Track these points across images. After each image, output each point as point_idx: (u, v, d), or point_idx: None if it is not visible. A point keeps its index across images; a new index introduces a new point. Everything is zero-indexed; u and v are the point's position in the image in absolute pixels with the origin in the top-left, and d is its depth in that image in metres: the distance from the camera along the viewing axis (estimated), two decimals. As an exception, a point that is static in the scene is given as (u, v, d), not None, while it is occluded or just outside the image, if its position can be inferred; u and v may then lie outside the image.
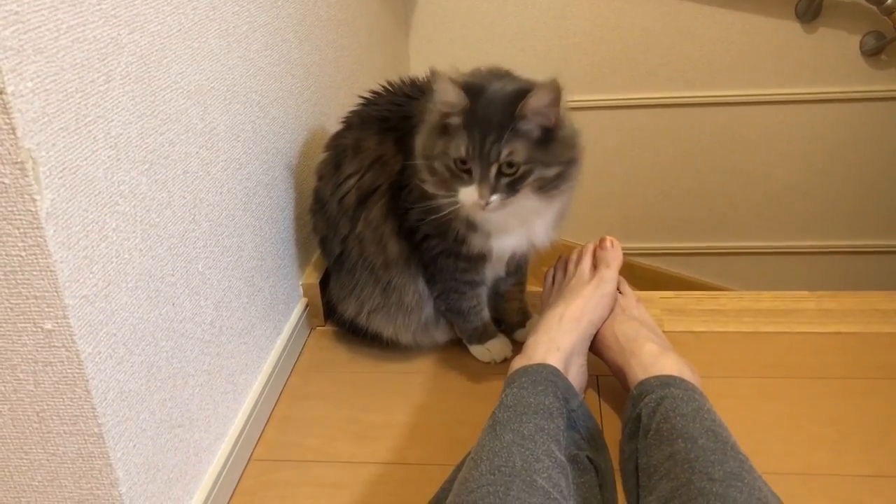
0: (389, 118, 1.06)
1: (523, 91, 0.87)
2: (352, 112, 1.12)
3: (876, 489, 0.88)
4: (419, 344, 1.14)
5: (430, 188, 0.94)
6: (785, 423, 0.98)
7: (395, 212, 1.04)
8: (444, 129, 0.91)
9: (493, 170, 0.88)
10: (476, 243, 1.00)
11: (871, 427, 0.97)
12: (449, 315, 1.12)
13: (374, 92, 1.11)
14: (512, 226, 0.98)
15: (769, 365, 1.09)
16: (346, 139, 1.08)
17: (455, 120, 0.89)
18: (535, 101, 0.86)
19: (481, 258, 1.04)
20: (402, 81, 1.10)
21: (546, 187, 0.91)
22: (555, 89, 0.86)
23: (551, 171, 0.90)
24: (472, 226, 0.98)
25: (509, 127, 0.87)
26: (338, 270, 1.12)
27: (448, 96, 0.88)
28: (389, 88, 1.10)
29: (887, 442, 0.95)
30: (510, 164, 0.88)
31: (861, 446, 0.94)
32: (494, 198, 0.88)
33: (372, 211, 1.04)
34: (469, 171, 0.89)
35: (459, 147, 0.88)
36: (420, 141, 0.95)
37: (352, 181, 1.06)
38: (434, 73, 0.87)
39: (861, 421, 0.98)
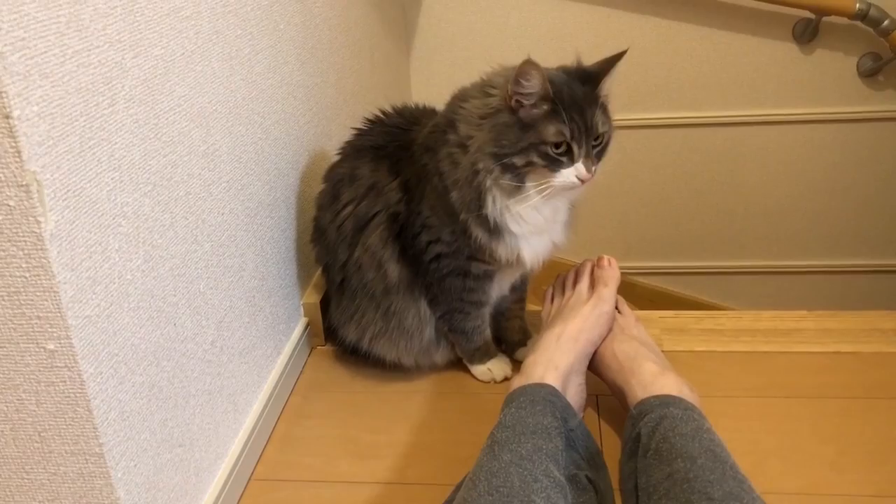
0: (383, 146, 1.07)
1: (593, 69, 0.95)
2: (346, 143, 1.13)
3: (876, 509, 0.89)
4: (420, 366, 1.15)
5: (497, 193, 0.95)
6: (784, 443, 0.98)
7: (397, 237, 1.04)
8: (523, 124, 0.92)
9: (590, 144, 0.93)
10: (502, 253, 1.00)
11: (871, 446, 0.97)
12: (451, 335, 1.12)
13: (367, 121, 1.13)
14: (543, 222, 0.99)
15: (769, 385, 1.09)
16: (342, 169, 1.10)
17: (541, 109, 0.91)
18: (611, 74, 0.94)
19: (503, 267, 1.03)
20: (395, 111, 1.12)
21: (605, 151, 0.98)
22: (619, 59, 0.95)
23: (612, 134, 0.98)
24: (497, 234, 0.98)
25: (596, 102, 0.94)
26: (339, 297, 1.13)
27: (540, 87, 0.90)
28: (381, 118, 1.12)
29: (887, 461, 0.94)
30: (599, 136, 0.94)
31: (861, 466, 0.94)
32: (594, 168, 0.94)
33: (370, 237, 1.05)
34: (567, 153, 0.92)
35: (561, 131, 0.91)
36: (482, 147, 0.93)
37: (348, 209, 1.07)
38: (529, 66, 0.88)
39: (861, 440, 0.98)
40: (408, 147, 1.04)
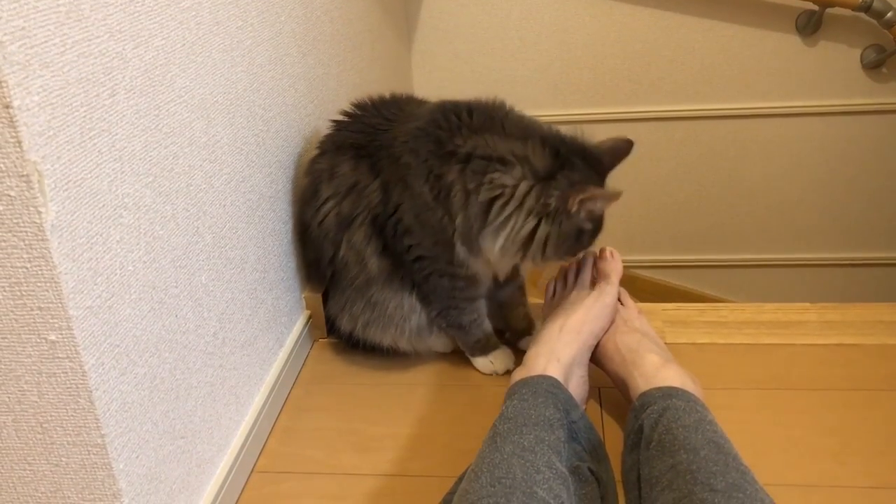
0: (363, 145, 1.06)
1: (607, 161, 1.02)
2: (325, 136, 1.13)
3: (878, 500, 0.88)
4: (417, 350, 1.15)
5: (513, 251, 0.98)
6: (787, 435, 0.98)
7: (379, 234, 1.04)
8: (578, 234, 0.98)
9: None
10: (477, 268, 1.03)
11: (873, 438, 0.97)
12: (450, 331, 1.12)
13: (344, 113, 1.12)
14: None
15: (771, 377, 1.09)
16: (321, 164, 1.09)
17: (586, 226, 0.98)
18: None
19: (476, 277, 1.06)
20: (373, 105, 1.11)
21: None
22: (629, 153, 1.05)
23: None
24: (476, 254, 1.00)
25: None
26: (332, 289, 1.14)
27: (602, 212, 0.98)
28: (359, 113, 1.11)
29: (889, 453, 0.94)
30: None
31: (863, 458, 0.94)
32: None
33: (354, 235, 1.05)
34: None
35: (592, 245, 1.02)
36: (554, 242, 0.96)
37: (329, 205, 1.07)
38: (610, 196, 0.95)
39: (863, 432, 0.98)
40: (387, 147, 1.03)
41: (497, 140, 0.95)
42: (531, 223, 0.94)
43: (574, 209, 0.93)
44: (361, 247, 1.05)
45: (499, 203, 0.94)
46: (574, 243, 0.98)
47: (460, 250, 1.00)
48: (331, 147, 1.10)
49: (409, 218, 1.01)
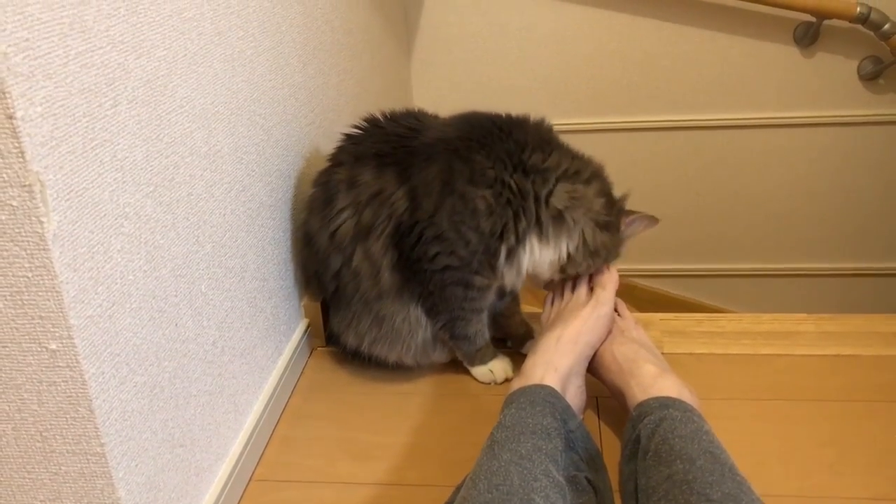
0: (388, 153, 1.06)
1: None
2: (338, 149, 1.12)
3: (875, 511, 0.89)
4: (421, 365, 1.16)
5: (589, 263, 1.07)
6: (783, 445, 0.98)
7: (396, 245, 1.04)
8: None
9: None
10: (507, 275, 1.05)
11: (869, 449, 0.97)
12: (453, 342, 1.12)
13: (356, 127, 1.12)
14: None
15: (768, 387, 1.09)
16: (339, 175, 1.08)
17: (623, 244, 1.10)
18: None
19: (489, 287, 1.08)
20: (384, 116, 1.12)
21: None
22: None
23: None
24: (511, 261, 1.03)
25: None
26: (335, 305, 1.14)
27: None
28: (370, 125, 1.12)
29: (886, 464, 0.95)
30: None
31: (860, 468, 0.94)
32: None
33: (373, 245, 1.05)
34: None
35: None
36: (613, 249, 1.08)
37: (345, 215, 1.06)
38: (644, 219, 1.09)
39: (860, 443, 0.98)
40: (422, 153, 1.03)
41: (565, 157, 1.04)
42: (597, 232, 1.04)
43: (623, 226, 1.07)
44: (378, 257, 1.05)
45: (574, 212, 1.02)
46: (613, 254, 1.09)
47: (502, 258, 1.02)
48: (348, 158, 1.09)
49: (444, 223, 1.01)
